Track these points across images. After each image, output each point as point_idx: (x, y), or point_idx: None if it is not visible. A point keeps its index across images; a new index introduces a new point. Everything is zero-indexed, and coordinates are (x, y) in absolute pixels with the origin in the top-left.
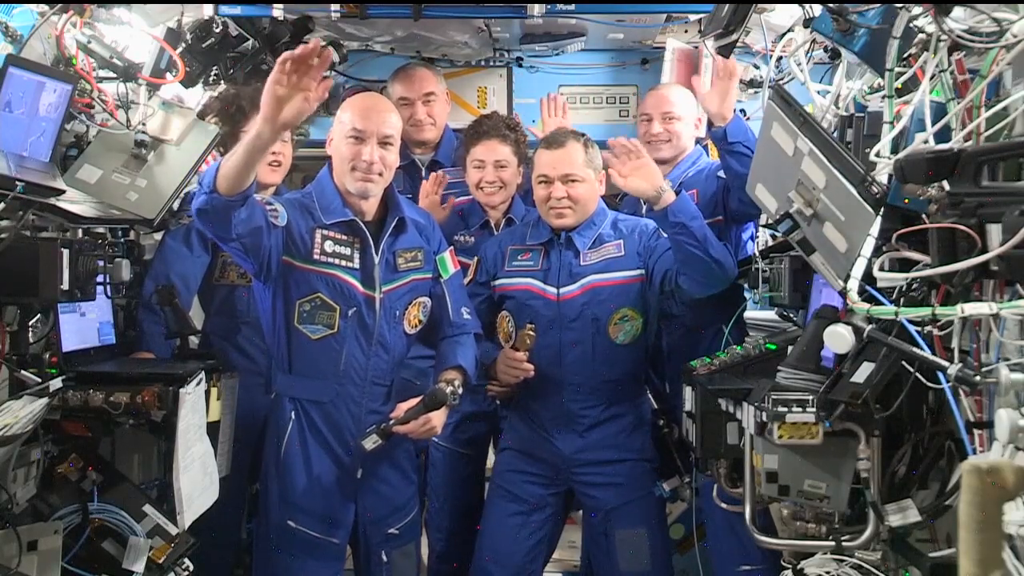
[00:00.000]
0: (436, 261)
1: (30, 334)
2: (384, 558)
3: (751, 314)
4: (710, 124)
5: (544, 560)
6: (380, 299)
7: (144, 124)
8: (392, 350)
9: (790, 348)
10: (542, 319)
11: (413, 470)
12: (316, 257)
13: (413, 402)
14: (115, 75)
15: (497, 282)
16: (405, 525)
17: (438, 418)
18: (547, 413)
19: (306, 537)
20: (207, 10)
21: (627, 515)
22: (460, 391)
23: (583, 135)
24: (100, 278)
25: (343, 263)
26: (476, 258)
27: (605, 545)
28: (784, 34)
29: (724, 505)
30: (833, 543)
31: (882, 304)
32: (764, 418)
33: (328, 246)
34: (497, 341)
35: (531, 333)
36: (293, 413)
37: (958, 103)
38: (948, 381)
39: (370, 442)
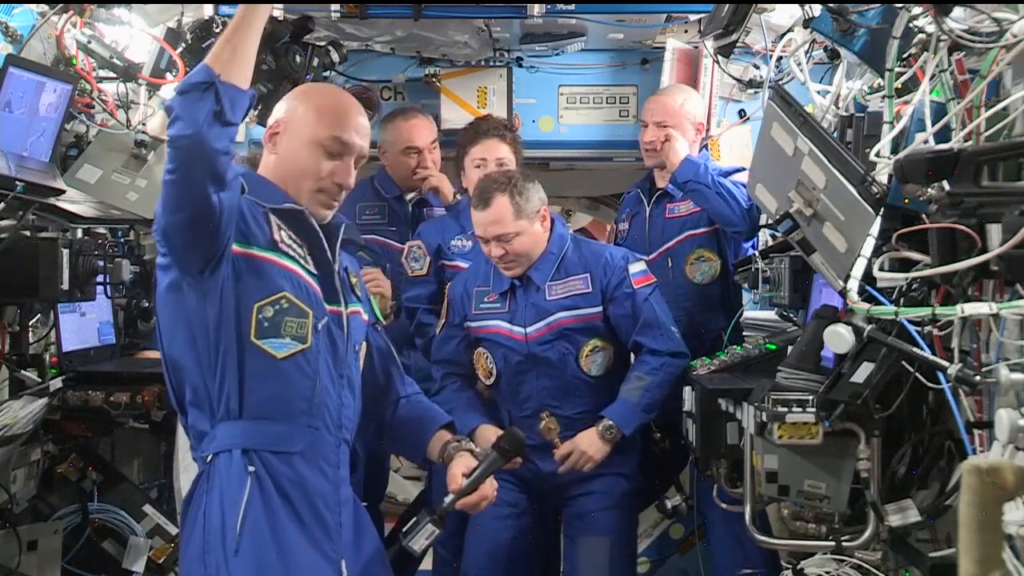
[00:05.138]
0: (371, 302)
1: (30, 334)
2: None
3: (751, 314)
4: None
5: (536, 569)
6: (348, 318)
7: (144, 124)
8: (357, 396)
9: (790, 348)
10: (514, 357)
11: None
12: (279, 244)
13: (463, 464)
14: (115, 75)
15: (469, 324)
16: None
17: (492, 481)
18: (529, 442)
19: None
20: (207, 10)
21: (593, 522)
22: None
23: (510, 179)
24: (100, 278)
25: (301, 260)
26: (446, 300)
27: (571, 551)
28: (784, 34)
29: (724, 505)
30: (833, 543)
31: (882, 304)
32: (764, 418)
33: (284, 235)
34: (478, 377)
35: (550, 419)
36: (250, 477)
37: (958, 103)
38: (948, 381)
39: (423, 537)
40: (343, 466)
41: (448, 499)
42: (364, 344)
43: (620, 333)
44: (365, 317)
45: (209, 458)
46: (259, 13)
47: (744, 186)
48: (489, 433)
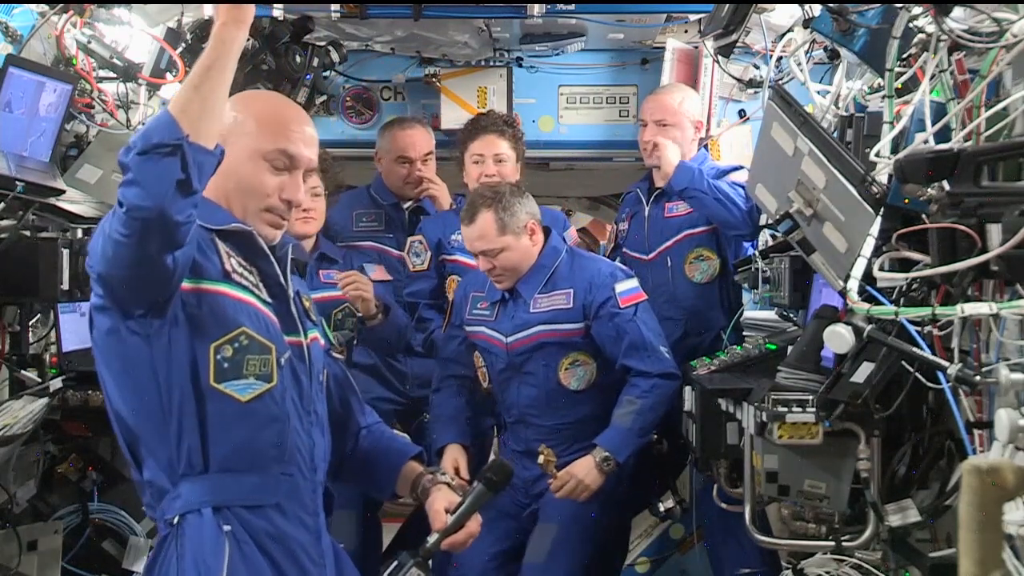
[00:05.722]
0: (323, 325)
1: (30, 334)
2: None
3: (751, 314)
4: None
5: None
6: (308, 347)
7: (144, 124)
8: (326, 433)
9: (790, 348)
10: (498, 364)
11: None
12: (231, 275)
13: (444, 499)
14: (115, 75)
15: (464, 327)
16: None
17: (476, 516)
18: (515, 448)
19: None
20: (207, 10)
21: (551, 509)
22: None
23: (497, 194)
24: None
25: (255, 290)
26: (450, 301)
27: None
28: (784, 34)
29: (724, 505)
30: (833, 543)
31: (882, 304)
32: (764, 418)
33: (234, 263)
34: (477, 377)
35: (549, 452)
36: (227, 537)
37: (958, 103)
38: (948, 381)
39: None
40: (321, 512)
41: (432, 539)
42: (324, 373)
43: (605, 351)
44: (323, 343)
45: (176, 520)
46: (233, 50)
47: (742, 186)
48: (448, 459)
